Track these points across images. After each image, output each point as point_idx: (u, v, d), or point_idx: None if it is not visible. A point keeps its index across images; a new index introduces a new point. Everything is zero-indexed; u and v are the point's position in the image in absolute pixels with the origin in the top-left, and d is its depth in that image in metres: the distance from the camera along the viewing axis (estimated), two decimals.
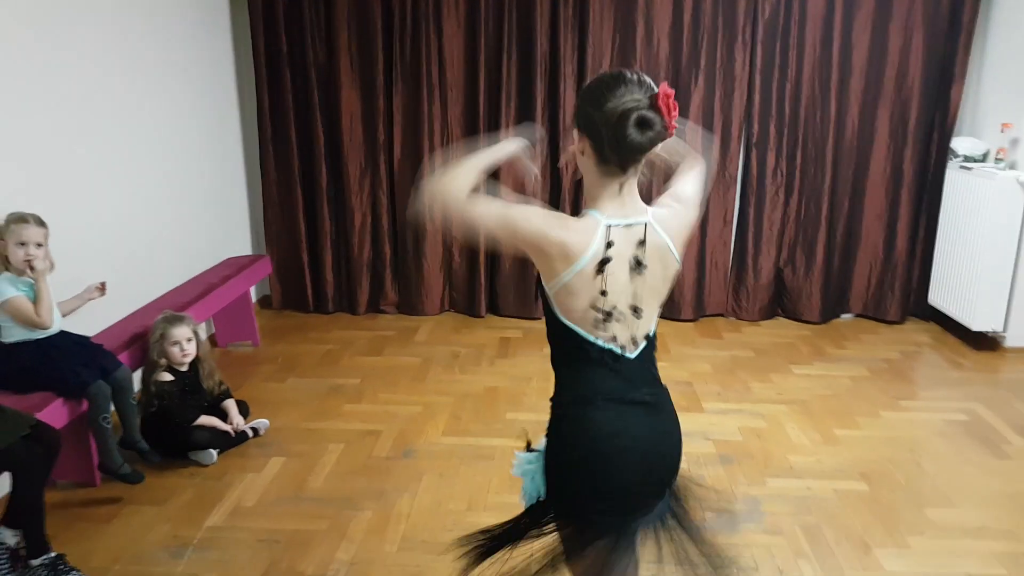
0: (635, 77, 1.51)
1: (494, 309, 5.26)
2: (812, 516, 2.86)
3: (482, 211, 1.51)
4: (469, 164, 1.58)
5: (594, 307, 1.53)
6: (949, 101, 4.79)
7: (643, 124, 1.46)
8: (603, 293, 1.53)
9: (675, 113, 1.48)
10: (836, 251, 5.11)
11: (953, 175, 4.74)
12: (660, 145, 1.53)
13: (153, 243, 4.09)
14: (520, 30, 4.87)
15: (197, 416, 3.31)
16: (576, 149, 1.58)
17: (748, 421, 3.64)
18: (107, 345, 3.25)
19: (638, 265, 1.55)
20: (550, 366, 1.67)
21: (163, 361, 3.31)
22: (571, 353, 1.60)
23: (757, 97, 4.89)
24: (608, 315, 1.54)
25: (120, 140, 3.81)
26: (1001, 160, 4.45)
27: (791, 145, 4.96)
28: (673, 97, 1.48)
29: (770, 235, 5.08)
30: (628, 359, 1.60)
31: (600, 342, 1.57)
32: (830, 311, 5.16)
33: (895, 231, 5.03)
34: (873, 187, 5.00)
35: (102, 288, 3.19)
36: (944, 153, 4.87)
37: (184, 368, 3.37)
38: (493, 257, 5.15)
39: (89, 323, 3.35)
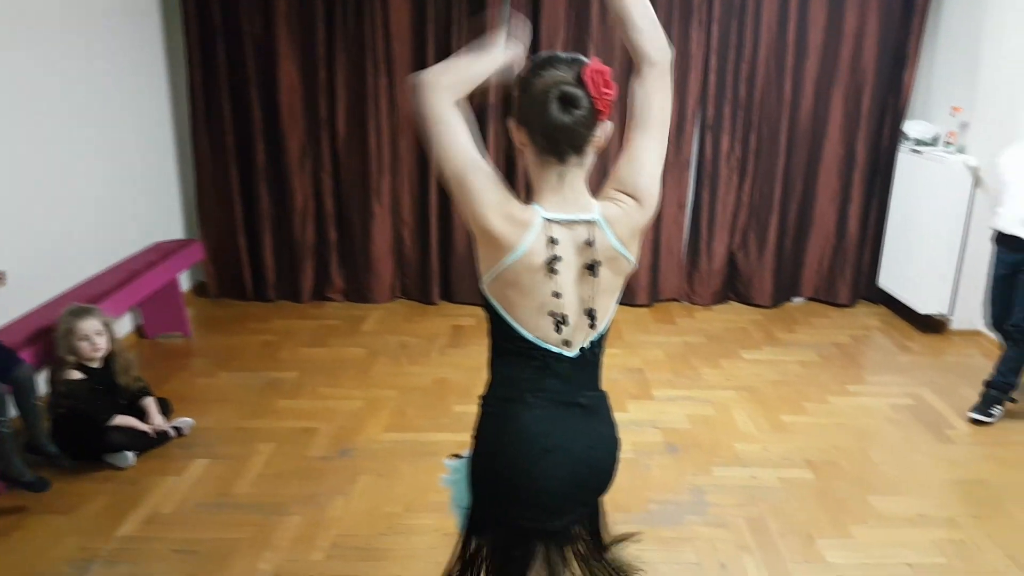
0: (568, 57, 1.38)
1: (448, 295, 5.10)
2: (757, 507, 2.79)
3: (450, 131, 1.36)
4: (462, 64, 1.42)
5: (548, 312, 1.42)
6: (902, 84, 4.75)
7: (566, 101, 1.33)
8: (556, 295, 1.42)
9: (608, 91, 1.35)
10: (788, 235, 5.06)
11: (904, 158, 4.71)
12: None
13: (70, 227, 3.82)
14: (471, 1, 4.68)
15: (112, 416, 3.10)
16: (516, 142, 1.45)
17: (697, 408, 3.57)
18: (8, 341, 3.00)
19: (591, 268, 1.43)
20: None
21: (71, 358, 3.08)
22: (507, 349, 1.49)
23: (712, 78, 4.78)
24: (563, 319, 1.43)
25: (32, 114, 3.52)
26: (951, 144, 4.42)
27: (745, 128, 4.87)
28: (607, 75, 1.34)
29: (723, 219, 5.00)
30: (568, 358, 1.48)
31: (542, 343, 1.45)
32: (782, 295, 5.12)
33: (847, 214, 5.00)
34: (826, 170, 4.95)
35: (1, 278, 2.93)
36: (896, 136, 4.83)
37: (96, 364, 3.16)
38: (446, 240, 4.98)
39: None
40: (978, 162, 4.24)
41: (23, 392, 2.80)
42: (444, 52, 4.71)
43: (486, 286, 1.44)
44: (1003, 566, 2.47)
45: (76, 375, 3.10)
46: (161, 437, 3.20)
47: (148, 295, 4.12)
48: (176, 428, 3.28)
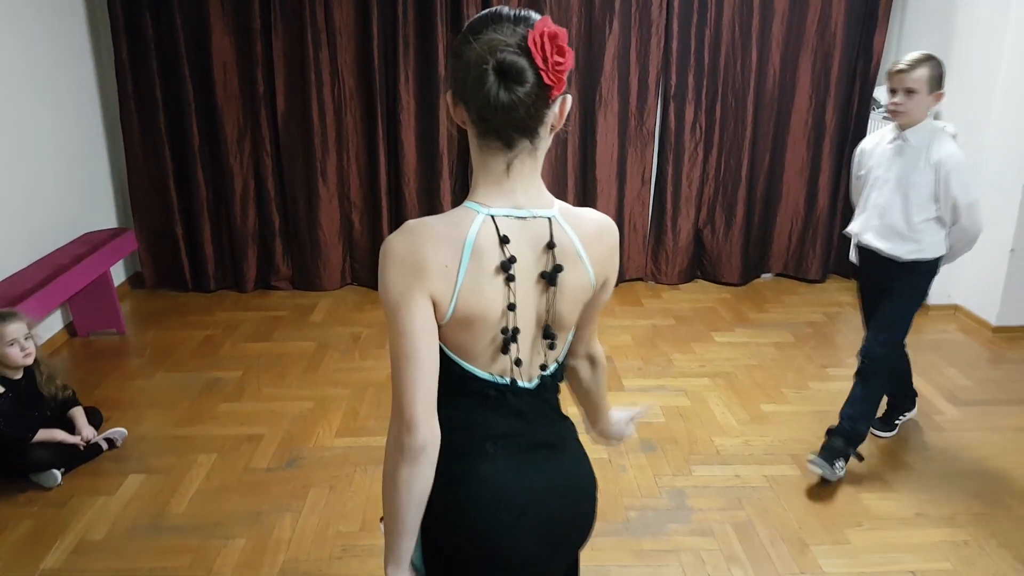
0: (513, 14, 1.07)
1: None
2: (743, 510, 2.60)
3: (400, 376, 1.11)
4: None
5: (500, 331, 1.14)
6: (872, 48, 4.56)
7: (505, 73, 1.02)
8: (511, 307, 1.13)
9: (561, 61, 1.03)
10: (756, 209, 4.87)
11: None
12: None
13: None
14: None
15: (34, 431, 2.78)
16: (456, 120, 1.14)
17: (671, 399, 3.37)
18: None
19: (552, 273, 1.15)
20: None
21: None
22: (454, 390, 1.18)
23: (675, 44, 4.54)
24: (514, 336, 1.15)
25: None
26: None
27: (710, 97, 4.65)
28: (560, 39, 1.03)
29: (689, 194, 4.79)
30: (525, 390, 1.21)
31: (489, 376, 1.18)
32: (750, 272, 4.95)
33: (816, 187, 4.82)
34: (794, 141, 4.76)
35: None
36: (867, 104, 4.66)
37: (18, 376, 2.83)
38: (398, 221, 4.67)
39: None
40: (955, 129, 4.07)
41: None
42: (390, 18, 4.39)
43: (443, 335, 1.16)
44: (1013, 571, 2.31)
45: None
46: (91, 450, 2.89)
47: (77, 291, 3.76)
48: (108, 440, 2.97)
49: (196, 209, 4.60)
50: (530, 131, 1.09)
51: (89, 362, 3.76)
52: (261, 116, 4.50)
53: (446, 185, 4.61)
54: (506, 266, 1.11)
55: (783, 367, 3.70)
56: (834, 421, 3.11)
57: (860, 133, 4.66)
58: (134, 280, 4.77)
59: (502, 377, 1.19)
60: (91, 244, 4.01)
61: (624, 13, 4.47)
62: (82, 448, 2.87)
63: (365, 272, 4.82)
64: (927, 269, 2.71)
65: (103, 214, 4.55)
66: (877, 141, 2.80)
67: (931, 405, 3.32)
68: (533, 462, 1.22)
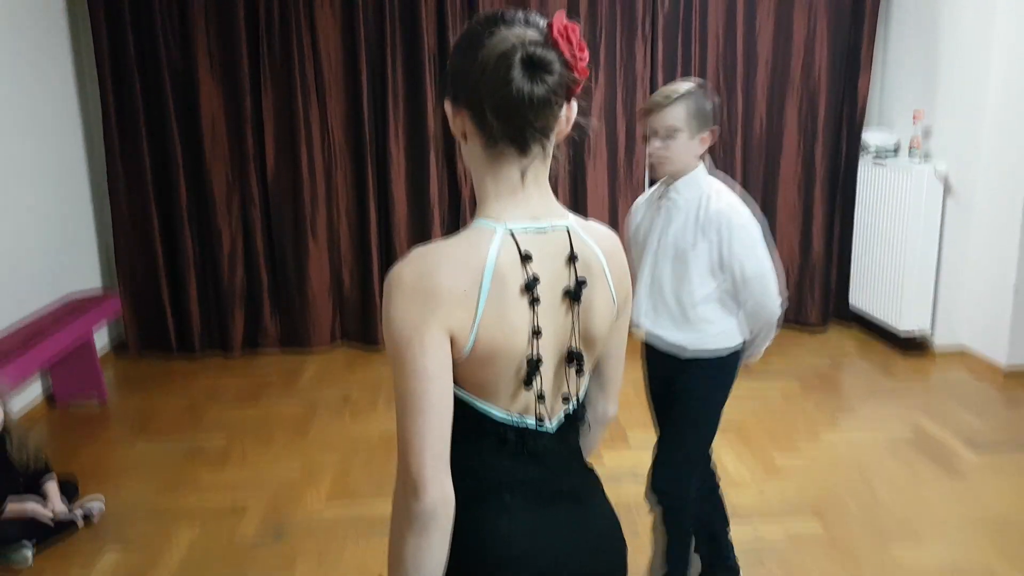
0: (521, 15, 1.00)
1: None
2: (765, 567, 2.45)
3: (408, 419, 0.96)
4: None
5: (523, 360, 1.01)
6: (857, 92, 4.57)
7: (534, 65, 0.95)
8: (536, 333, 1.01)
9: (582, 54, 0.98)
10: None
11: (866, 169, 4.51)
12: None
13: None
14: (404, 24, 4.35)
15: (2, 505, 2.60)
16: (455, 131, 1.05)
17: None
18: None
19: (577, 289, 1.04)
20: None
21: None
22: (467, 433, 1.04)
23: None
24: (536, 366, 1.02)
25: None
26: (915, 151, 4.23)
27: None
28: (577, 32, 0.97)
29: None
30: (546, 434, 1.08)
31: (507, 416, 1.05)
32: None
33: (810, 231, 4.77)
34: (785, 185, 4.73)
35: None
36: (855, 147, 4.64)
37: None
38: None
39: None
40: (947, 168, 4.06)
41: None
42: (379, 74, 4.37)
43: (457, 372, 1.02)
44: None
45: None
46: (65, 525, 2.70)
47: (57, 356, 3.61)
48: (84, 515, 2.78)
49: (182, 268, 4.48)
50: (545, 134, 1.01)
51: (67, 431, 3.59)
52: (250, 173, 4.43)
53: (438, 237, 4.53)
54: (531, 286, 0.99)
55: (793, 417, 3.56)
56: (849, 472, 2.97)
57: (851, 176, 4.64)
58: (118, 347, 4.61)
59: (521, 417, 1.06)
60: (74, 307, 3.88)
61: (608, 67, 4.48)
62: (52, 524, 2.68)
63: (355, 329, 4.68)
64: (718, 367, 2.07)
65: (87, 275, 4.42)
66: (648, 196, 2.17)
67: (949, 450, 3.19)
68: (555, 515, 1.09)
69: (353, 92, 4.42)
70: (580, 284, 1.05)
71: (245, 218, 4.51)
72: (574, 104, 1.04)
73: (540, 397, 1.05)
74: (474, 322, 0.97)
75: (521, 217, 1.02)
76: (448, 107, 1.04)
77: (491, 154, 1.02)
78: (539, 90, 0.95)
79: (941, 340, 4.22)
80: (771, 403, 3.71)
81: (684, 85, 1.93)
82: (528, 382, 1.03)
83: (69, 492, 2.84)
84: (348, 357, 4.50)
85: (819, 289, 4.79)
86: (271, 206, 4.51)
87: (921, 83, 4.28)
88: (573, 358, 1.07)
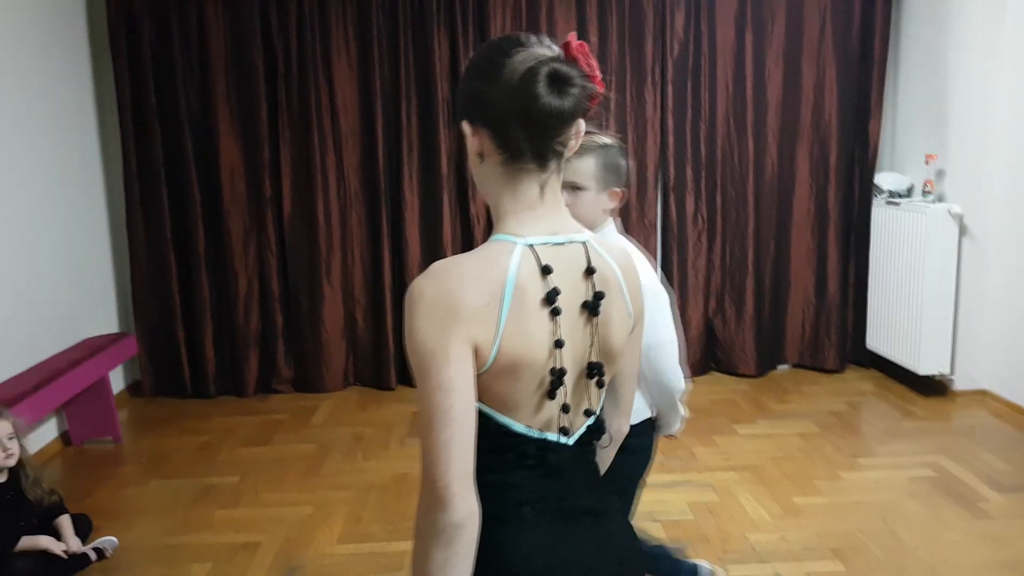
0: (534, 38, 1.06)
1: (406, 379, 4.64)
2: None
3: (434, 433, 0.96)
4: None
5: (546, 372, 1.03)
6: (868, 136, 4.61)
7: (559, 80, 1.00)
8: (558, 344, 1.03)
9: (597, 68, 1.04)
10: (766, 298, 4.79)
11: (880, 212, 4.53)
12: None
13: None
14: (418, 73, 4.46)
15: (16, 540, 2.59)
16: (471, 151, 1.08)
17: (697, 494, 3.16)
18: None
19: (595, 301, 1.06)
20: None
21: None
22: (481, 444, 1.03)
23: (671, 140, 4.60)
24: (560, 377, 1.03)
25: None
26: (929, 193, 4.24)
27: (710, 188, 4.67)
28: (587, 49, 1.04)
29: (696, 284, 4.72)
30: (565, 447, 1.08)
31: (528, 430, 1.05)
32: (766, 363, 4.80)
33: (825, 274, 4.76)
34: (798, 228, 4.74)
35: None
36: (868, 189, 4.66)
37: (2, 478, 2.66)
38: (402, 318, 4.59)
39: None
40: (962, 209, 4.06)
41: None
42: (394, 125, 4.47)
43: (482, 386, 1.03)
44: None
45: None
46: (78, 561, 2.69)
47: (73, 396, 3.64)
48: (97, 549, 2.77)
49: (198, 312, 4.52)
50: (562, 149, 1.05)
51: (82, 470, 3.58)
52: (267, 218, 4.50)
53: None
54: (551, 298, 1.01)
55: (811, 458, 3.51)
56: (871, 513, 2.91)
57: (864, 219, 4.65)
58: (133, 388, 4.63)
59: (542, 431, 1.06)
60: (90, 349, 3.91)
61: (618, 113, 4.55)
62: (66, 558, 2.66)
63: (368, 371, 4.69)
64: (629, 441, 1.75)
65: (104, 319, 4.47)
66: None
67: (972, 491, 3.12)
68: (577, 531, 1.08)
69: (368, 140, 4.51)
70: (598, 297, 1.06)
71: (261, 262, 4.56)
72: (582, 121, 1.07)
73: (565, 408, 1.06)
74: (496, 335, 0.98)
75: (539, 231, 1.05)
76: (466, 128, 1.07)
77: (510, 170, 1.05)
78: (567, 103, 1.00)
79: (961, 381, 4.17)
80: (788, 445, 3.65)
81: (601, 138, 1.82)
82: (552, 394, 1.04)
83: (83, 528, 2.82)
84: (360, 398, 4.49)
85: (835, 332, 4.76)
86: (287, 251, 4.56)
87: (932, 126, 4.32)
88: (594, 371, 1.08)
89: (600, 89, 1.03)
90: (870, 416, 4.05)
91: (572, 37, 1.03)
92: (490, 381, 1.01)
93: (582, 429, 1.11)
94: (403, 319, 1.01)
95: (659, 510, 3.03)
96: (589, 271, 1.06)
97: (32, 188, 3.78)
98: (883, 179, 4.56)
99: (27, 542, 2.62)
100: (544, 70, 1.00)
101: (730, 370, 4.76)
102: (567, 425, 1.08)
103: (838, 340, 4.77)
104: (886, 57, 4.53)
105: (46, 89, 3.91)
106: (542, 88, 0.99)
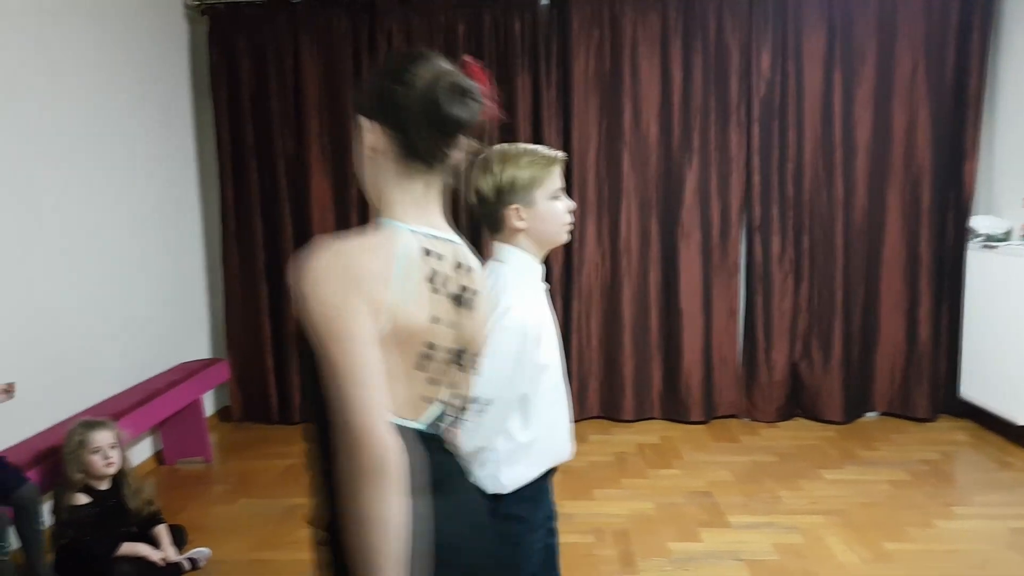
0: (437, 54, 1.19)
1: None
2: None
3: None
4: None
5: (423, 345, 1.14)
6: (963, 178, 4.48)
7: (461, 91, 1.14)
8: (435, 320, 1.14)
9: (494, 93, 1.19)
10: (854, 343, 4.65)
11: (975, 256, 4.37)
12: None
13: (92, 344, 3.59)
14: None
15: (116, 545, 2.72)
16: (366, 145, 1.18)
17: (783, 536, 3.07)
18: (15, 459, 2.72)
19: (467, 295, 1.19)
20: None
21: (79, 477, 2.75)
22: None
23: (756, 179, 4.57)
24: (430, 352, 1.14)
25: (60, 228, 3.39)
26: None
27: (797, 229, 4.60)
28: (488, 77, 1.20)
29: (781, 327, 4.63)
30: (424, 433, 1.18)
31: (402, 420, 1.13)
32: (853, 410, 4.64)
33: (916, 319, 4.60)
34: (888, 272, 4.61)
35: (8, 390, 2.66)
36: (962, 233, 4.51)
37: (105, 486, 2.82)
38: None
39: None
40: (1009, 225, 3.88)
41: (26, 516, 2.52)
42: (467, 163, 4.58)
43: None
44: None
45: (82, 499, 2.76)
46: (173, 569, 2.80)
47: (169, 415, 3.83)
48: (191, 559, 2.89)
49: (285, 341, 4.70)
50: (448, 155, 1.17)
51: (175, 488, 3.74)
52: None
53: None
54: (431, 277, 1.13)
55: (902, 505, 3.37)
56: (967, 560, 2.78)
57: (958, 264, 4.50)
58: (222, 414, 4.82)
59: (409, 418, 1.15)
60: (186, 372, 4.11)
61: (702, 151, 4.55)
62: (163, 565, 2.78)
63: None
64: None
65: (199, 344, 4.70)
66: (539, 282, 1.74)
67: None
68: (430, 504, 1.16)
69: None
70: (471, 292, 1.19)
71: None
72: (472, 141, 1.21)
73: (431, 382, 1.15)
74: (389, 302, 1.08)
75: (422, 224, 1.17)
76: (365, 123, 1.18)
77: (401, 168, 1.17)
78: (464, 113, 1.13)
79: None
80: (877, 491, 3.52)
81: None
82: (425, 367, 1.14)
83: (178, 539, 2.95)
84: None
85: (927, 380, 4.57)
86: None
87: None
88: (462, 357, 1.19)
89: (492, 111, 1.17)
90: (964, 466, 3.86)
91: (469, 59, 1.17)
92: (383, 351, 1.10)
93: (441, 411, 1.20)
94: (315, 257, 1.09)
95: (742, 549, 2.96)
96: (463, 266, 1.18)
97: (138, 221, 4.04)
98: (979, 222, 4.41)
99: (127, 548, 2.75)
100: (448, 79, 1.13)
101: (815, 416, 4.62)
102: (441, 402, 1.18)
103: (930, 388, 4.58)
104: (982, 95, 4.42)
105: (151, 129, 4.20)
106: (445, 95, 1.12)
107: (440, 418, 1.20)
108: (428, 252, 1.14)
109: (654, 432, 4.44)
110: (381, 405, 1.03)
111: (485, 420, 1.53)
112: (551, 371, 1.65)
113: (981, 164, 4.52)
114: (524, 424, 1.60)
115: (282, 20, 4.54)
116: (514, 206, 1.62)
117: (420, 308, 1.11)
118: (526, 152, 1.62)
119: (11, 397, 2.67)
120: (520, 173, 1.61)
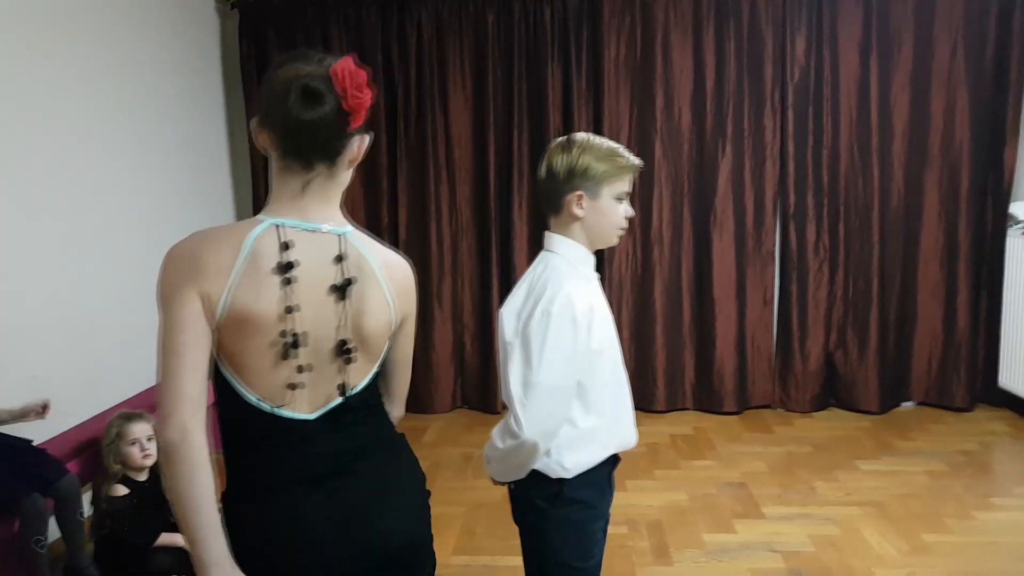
0: (317, 56, 1.20)
1: None
2: None
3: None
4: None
5: (277, 333, 1.16)
6: (1003, 163, 4.37)
7: (308, 95, 1.16)
8: (289, 310, 1.16)
9: (359, 94, 1.16)
10: (891, 332, 4.57)
11: (1015, 242, 4.27)
12: None
13: (128, 341, 3.63)
14: (531, 104, 4.57)
15: (155, 536, 2.76)
16: (259, 146, 1.25)
17: (818, 528, 3.04)
18: (55, 451, 2.77)
19: (344, 286, 1.21)
20: None
21: (118, 468, 2.80)
22: (226, 420, 1.23)
23: (791, 166, 4.50)
24: (295, 340, 1.17)
25: (99, 230, 3.44)
26: None
27: (832, 216, 4.53)
28: (361, 78, 1.17)
29: (816, 316, 4.57)
30: (306, 422, 1.21)
31: (260, 401, 1.17)
32: (889, 399, 4.58)
33: (954, 307, 4.51)
34: (926, 260, 4.52)
35: (43, 411, 2.69)
36: (1002, 220, 4.41)
37: (143, 477, 2.86)
38: None
39: (38, 427, 2.86)
40: None
41: (66, 506, 2.56)
42: (505, 154, 4.59)
43: (216, 340, 1.17)
44: None
45: (121, 490, 2.80)
46: None
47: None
48: None
49: None
50: (328, 156, 1.19)
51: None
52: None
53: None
54: (283, 268, 1.14)
55: (940, 496, 3.31)
56: (1008, 552, 2.74)
57: (998, 251, 4.40)
58: None
59: (278, 407, 1.18)
60: None
61: (736, 137, 4.49)
62: None
63: (475, 395, 4.77)
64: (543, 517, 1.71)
65: None
66: (592, 281, 1.70)
67: None
68: (316, 503, 1.21)
69: (480, 169, 4.65)
70: (348, 281, 1.21)
71: None
72: (366, 138, 1.25)
73: (299, 369, 1.18)
74: (226, 289, 1.13)
75: (294, 218, 1.19)
76: (254, 125, 1.23)
77: (281, 166, 1.21)
78: (309, 115, 1.15)
79: None
80: (915, 482, 3.46)
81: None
82: (285, 356, 1.16)
83: None
84: (468, 420, 4.57)
85: (965, 369, 4.49)
86: None
87: None
88: (343, 347, 1.21)
89: (355, 113, 1.16)
90: (1004, 456, 3.79)
91: (342, 61, 1.16)
92: (224, 337, 1.15)
93: (334, 403, 1.23)
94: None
95: (777, 541, 2.94)
96: (339, 258, 1.20)
97: (170, 212, 4.08)
98: (1019, 208, 4.31)
99: (165, 538, 2.78)
100: (298, 85, 1.15)
101: (851, 406, 4.56)
102: (310, 397, 1.19)
103: (968, 377, 4.49)
104: (1023, 80, 4.31)
105: (184, 125, 4.23)
106: (293, 100, 1.15)
107: (339, 410, 1.23)
108: (288, 245, 1.17)
109: (687, 423, 4.41)
110: (186, 392, 1.09)
111: (547, 407, 1.54)
112: (607, 356, 1.65)
113: (1021, 149, 4.41)
114: (585, 410, 1.62)
115: (312, 13, 4.56)
116: (579, 192, 1.62)
117: (266, 298, 1.15)
118: (609, 147, 1.64)
119: (44, 416, 2.67)
120: (597, 163, 1.61)
